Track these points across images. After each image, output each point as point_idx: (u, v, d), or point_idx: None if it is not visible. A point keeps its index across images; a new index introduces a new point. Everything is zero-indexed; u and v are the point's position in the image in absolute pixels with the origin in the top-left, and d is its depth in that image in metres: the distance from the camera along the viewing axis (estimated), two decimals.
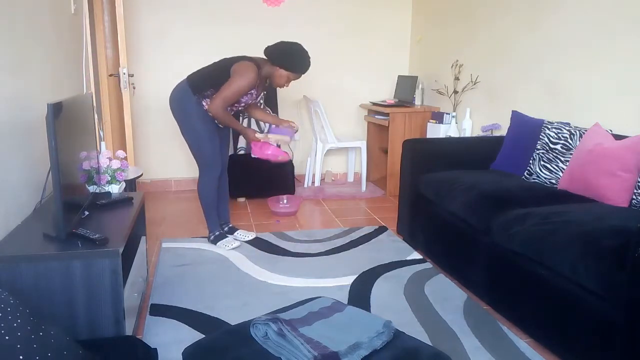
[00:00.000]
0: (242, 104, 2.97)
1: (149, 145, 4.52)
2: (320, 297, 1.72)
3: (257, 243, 3.21)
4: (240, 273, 2.75)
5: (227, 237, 3.17)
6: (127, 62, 3.93)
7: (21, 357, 1.07)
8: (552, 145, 2.69)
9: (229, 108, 2.91)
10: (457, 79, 4.09)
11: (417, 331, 2.14)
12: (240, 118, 4.34)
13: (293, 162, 4.42)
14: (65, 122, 1.79)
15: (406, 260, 2.94)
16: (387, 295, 2.50)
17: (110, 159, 2.61)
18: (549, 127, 2.74)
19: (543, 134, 2.76)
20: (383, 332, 1.45)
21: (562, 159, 2.65)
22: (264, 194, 4.06)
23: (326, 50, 4.71)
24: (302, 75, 2.99)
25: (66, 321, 1.70)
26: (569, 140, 2.64)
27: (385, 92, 5.00)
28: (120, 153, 2.91)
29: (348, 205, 4.17)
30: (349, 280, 2.67)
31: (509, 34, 3.51)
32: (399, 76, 4.85)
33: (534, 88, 3.29)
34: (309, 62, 2.93)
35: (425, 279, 2.70)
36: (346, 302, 2.37)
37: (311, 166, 4.65)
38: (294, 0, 4.56)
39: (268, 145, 2.99)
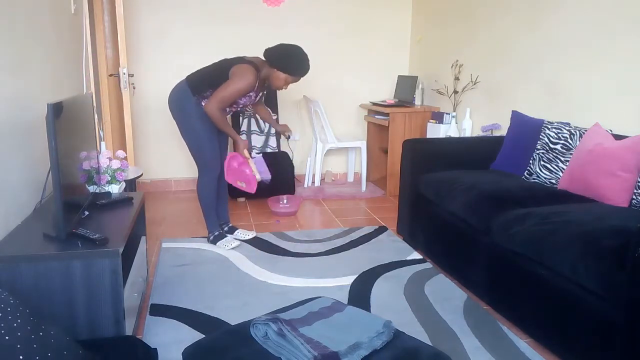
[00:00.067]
0: (241, 106, 2.97)
1: (149, 145, 4.52)
2: (320, 297, 1.72)
3: (257, 243, 3.21)
4: (240, 273, 2.75)
5: (227, 237, 3.17)
6: (127, 62, 3.93)
7: (21, 357, 1.07)
8: (552, 145, 2.69)
9: (227, 109, 2.91)
10: (457, 79, 4.09)
11: (417, 331, 2.14)
12: (240, 118, 4.34)
13: (293, 162, 4.42)
14: (65, 122, 1.79)
15: (406, 260, 2.95)
16: (387, 295, 2.50)
17: (110, 159, 2.61)
18: (549, 127, 2.74)
19: (543, 134, 2.76)
20: (383, 332, 1.45)
21: (562, 159, 2.65)
22: (264, 194, 4.06)
23: (326, 50, 4.71)
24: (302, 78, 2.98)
25: (66, 321, 1.70)
26: (569, 140, 2.64)
27: (385, 92, 5.00)
28: (120, 153, 2.91)
29: (348, 205, 4.17)
30: (349, 280, 2.67)
31: (509, 34, 3.51)
32: (399, 76, 4.85)
33: (534, 88, 3.29)
34: (308, 65, 2.92)
35: (425, 279, 2.70)
36: (346, 302, 2.37)
37: (311, 166, 4.65)
38: (294, 0, 4.57)
39: (247, 165, 3.07)
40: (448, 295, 2.51)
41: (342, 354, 1.33)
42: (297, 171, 4.67)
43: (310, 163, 4.66)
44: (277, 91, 4.51)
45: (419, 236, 3.05)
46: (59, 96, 2.62)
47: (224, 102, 2.80)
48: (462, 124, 3.93)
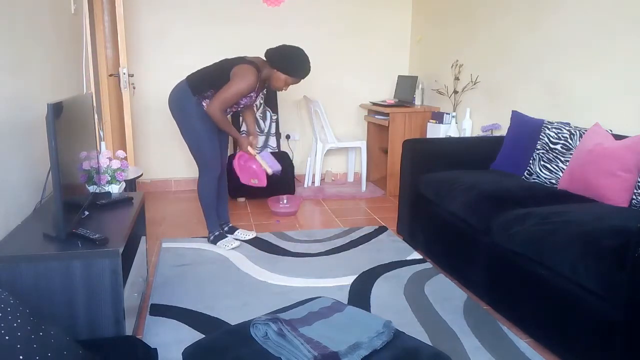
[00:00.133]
0: (241, 106, 2.97)
1: (149, 145, 4.52)
2: (320, 297, 1.72)
3: (257, 243, 3.21)
4: (240, 273, 2.75)
5: (227, 237, 3.17)
6: (127, 62, 3.93)
7: (21, 357, 1.07)
8: (552, 145, 2.69)
9: (228, 109, 2.91)
10: (457, 79, 4.09)
11: (417, 331, 2.14)
12: (241, 118, 4.34)
13: (293, 162, 4.42)
14: (65, 122, 1.79)
15: (406, 260, 2.94)
16: (387, 295, 2.50)
17: (110, 159, 2.61)
18: (549, 127, 2.74)
19: (543, 134, 2.76)
20: (383, 332, 1.45)
21: (562, 159, 2.65)
22: (264, 194, 4.06)
23: (326, 50, 4.71)
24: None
25: (66, 321, 1.70)
26: (569, 140, 2.64)
27: (385, 92, 5.00)
28: (120, 153, 2.91)
29: (348, 205, 4.17)
30: (349, 280, 2.67)
31: (509, 34, 3.51)
32: (399, 76, 4.85)
33: (534, 88, 3.29)
34: (309, 67, 2.91)
35: (425, 279, 2.70)
36: (346, 302, 2.36)
37: (311, 166, 4.65)
38: (294, 0, 4.57)
39: (254, 160, 3.07)
40: (448, 295, 2.51)
41: (342, 354, 1.33)
42: (297, 171, 4.67)
43: (310, 163, 4.66)
44: (277, 91, 4.51)
45: (419, 236, 3.05)
46: (59, 96, 2.62)
47: (225, 103, 2.80)
48: (462, 124, 3.92)
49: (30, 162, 2.17)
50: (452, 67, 4.18)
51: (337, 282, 2.65)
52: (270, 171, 3.07)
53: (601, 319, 1.72)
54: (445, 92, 4.27)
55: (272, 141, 4.44)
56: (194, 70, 2.98)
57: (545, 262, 1.97)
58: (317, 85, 4.73)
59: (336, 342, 1.39)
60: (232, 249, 3.09)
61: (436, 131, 4.14)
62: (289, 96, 4.70)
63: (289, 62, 2.87)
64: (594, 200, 2.36)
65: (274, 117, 4.41)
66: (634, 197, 2.25)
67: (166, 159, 4.58)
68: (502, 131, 3.56)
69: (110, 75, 4.14)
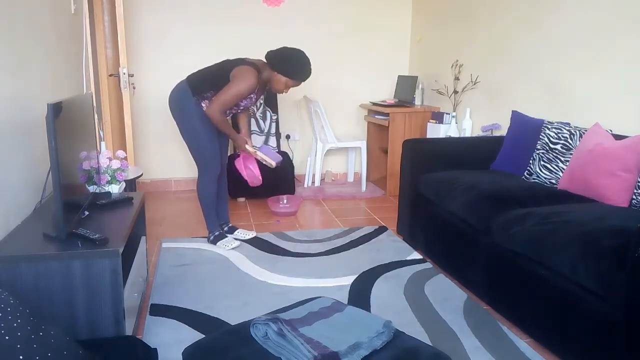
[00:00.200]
0: (241, 107, 2.97)
1: (149, 145, 4.52)
2: (320, 297, 1.72)
3: (257, 243, 3.21)
4: (240, 273, 2.75)
5: (227, 237, 3.17)
6: (127, 62, 3.93)
7: (21, 357, 1.07)
8: (552, 145, 2.69)
9: (227, 111, 2.91)
10: (457, 79, 4.09)
11: (417, 331, 2.14)
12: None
13: (293, 162, 4.42)
14: (65, 122, 1.79)
15: (406, 260, 2.94)
16: (387, 295, 2.50)
17: (110, 159, 2.61)
18: (549, 127, 2.74)
19: (543, 134, 2.76)
20: (383, 332, 1.45)
21: (562, 159, 2.65)
22: (264, 194, 4.06)
23: (326, 50, 4.71)
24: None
25: (66, 321, 1.70)
26: (569, 140, 2.64)
27: (385, 92, 5.00)
28: (120, 153, 2.91)
29: (348, 205, 4.17)
30: (349, 280, 2.67)
31: (509, 34, 3.51)
32: (399, 76, 4.85)
33: (534, 88, 3.29)
34: (310, 70, 2.92)
35: (425, 279, 2.70)
36: (346, 302, 2.37)
37: (311, 166, 4.65)
38: (294, 0, 4.56)
39: (252, 159, 3.12)
40: (448, 295, 2.51)
41: (342, 354, 1.33)
42: (297, 171, 4.67)
43: (310, 163, 4.66)
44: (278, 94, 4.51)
45: (419, 236, 3.05)
46: (59, 96, 2.62)
47: (225, 105, 2.80)
48: (462, 124, 3.92)
49: (30, 162, 2.17)
50: (452, 67, 4.18)
51: (337, 282, 2.65)
52: (273, 164, 3.08)
53: (601, 319, 1.72)
54: (445, 92, 4.27)
55: (272, 141, 4.44)
56: (194, 70, 2.98)
57: (545, 262, 1.97)
58: (317, 85, 4.73)
59: (336, 342, 1.39)
60: (232, 249, 3.09)
61: (436, 131, 4.14)
62: (289, 96, 4.70)
63: (290, 65, 2.87)
64: (594, 200, 2.36)
65: (274, 117, 4.42)
66: (634, 197, 2.25)
67: (166, 159, 4.58)
68: (502, 131, 3.56)
69: (110, 75, 4.14)
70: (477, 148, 3.23)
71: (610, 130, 2.55)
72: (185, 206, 4.09)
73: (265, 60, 2.93)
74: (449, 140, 3.35)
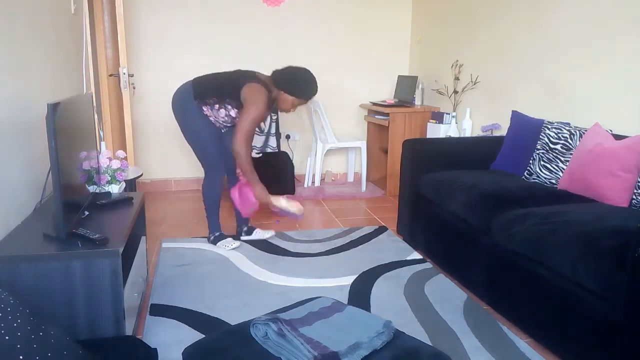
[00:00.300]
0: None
1: (149, 145, 4.52)
2: (320, 297, 1.72)
3: (257, 243, 3.21)
4: (240, 273, 2.75)
5: (227, 237, 3.17)
6: (127, 62, 3.94)
7: (21, 357, 1.07)
8: (552, 145, 2.69)
9: (230, 121, 2.90)
10: (457, 79, 4.09)
11: (417, 331, 2.14)
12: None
13: (293, 162, 4.42)
14: (65, 122, 1.79)
15: (406, 260, 2.94)
16: (387, 295, 2.50)
17: (110, 159, 2.61)
18: (549, 127, 2.74)
19: (543, 134, 2.76)
20: (383, 332, 1.45)
21: (562, 159, 2.65)
22: None
23: (326, 50, 4.71)
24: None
25: (66, 321, 1.69)
26: (569, 140, 2.64)
27: (385, 92, 5.00)
28: (120, 153, 2.91)
29: (348, 205, 4.17)
30: (349, 280, 2.67)
31: (509, 34, 3.51)
32: (399, 76, 4.85)
33: (534, 88, 3.29)
34: (316, 88, 2.93)
35: (425, 279, 2.70)
36: (346, 302, 2.36)
37: (311, 166, 4.65)
38: (294, 0, 4.57)
39: (250, 189, 2.89)
40: (448, 295, 2.51)
41: (342, 354, 1.33)
42: (297, 171, 4.66)
43: (310, 163, 4.66)
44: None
45: (419, 236, 3.05)
46: (59, 96, 2.62)
47: (250, 133, 2.77)
48: (462, 124, 3.92)
49: (30, 162, 2.17)
50: (452, 67, 4.18)
51: (337, 282, 2.65)
52: (299, 214, 2.93)
53: (601, 319, 1.72)
54: (445, 92, 4.27)
55: (272, 141, 4.44)
56: (193, 70, 2.97)
57: (545, 262, 1.97)
58: None
59: (336, 342, 1.39)
60: (232, 249, 3.09)
61: (436, 131, 4.14)
62: None
63: (296, 85, 2.88)
64: (594, 200, 2.36)
65: (274, 117, 4.41)
66: (634, 197, 2.25)
67: (166, 159, 4.58)
68: (502, 131, 3.56)
69: (110, 75, 4.14)
70: (477, 148, 3.23)
71: (610, 130, 2.55)
72: (185, 206, 4.09)
73: (271, 77, 2.91)
74: (449, 140, 3.35)
